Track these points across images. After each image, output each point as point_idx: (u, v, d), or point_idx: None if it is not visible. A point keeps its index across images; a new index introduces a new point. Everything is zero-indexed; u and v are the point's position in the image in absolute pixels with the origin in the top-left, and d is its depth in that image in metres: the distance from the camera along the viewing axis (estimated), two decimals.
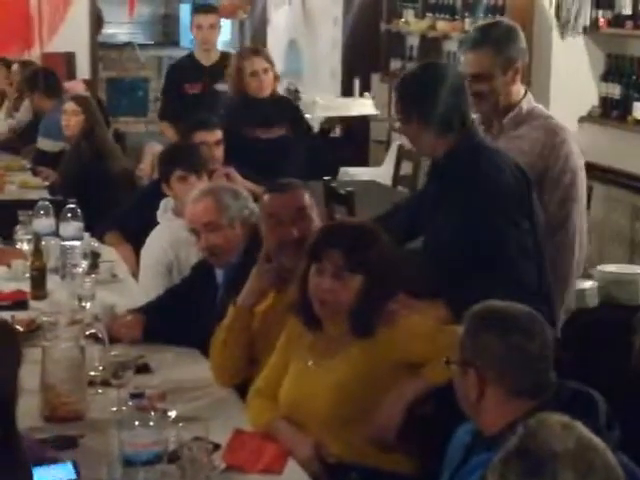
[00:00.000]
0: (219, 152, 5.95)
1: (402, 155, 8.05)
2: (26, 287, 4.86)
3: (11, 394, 2.43)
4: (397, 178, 8.17)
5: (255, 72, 6.55)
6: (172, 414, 3.21)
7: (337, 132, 9.93)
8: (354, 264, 3.34)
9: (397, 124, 3.95)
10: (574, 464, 2.00)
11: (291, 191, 3.91)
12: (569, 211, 4.17)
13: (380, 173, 8.42)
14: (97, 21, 13.79)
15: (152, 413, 2.94)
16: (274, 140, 6.64)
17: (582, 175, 4.25)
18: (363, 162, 9.44)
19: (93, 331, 3.84)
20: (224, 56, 7.43)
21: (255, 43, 12.85)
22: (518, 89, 4.25)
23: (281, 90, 11.54)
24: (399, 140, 7.81)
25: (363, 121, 9.64)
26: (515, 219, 3.63)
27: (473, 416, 2.66)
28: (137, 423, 2.85)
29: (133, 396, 3.19)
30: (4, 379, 2.41)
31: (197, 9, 7.72)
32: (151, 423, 2.84)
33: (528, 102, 4.25)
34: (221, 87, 7.19)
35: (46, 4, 13.02)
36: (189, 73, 7.52)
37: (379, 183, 7.89)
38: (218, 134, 5.96)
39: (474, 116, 3.94)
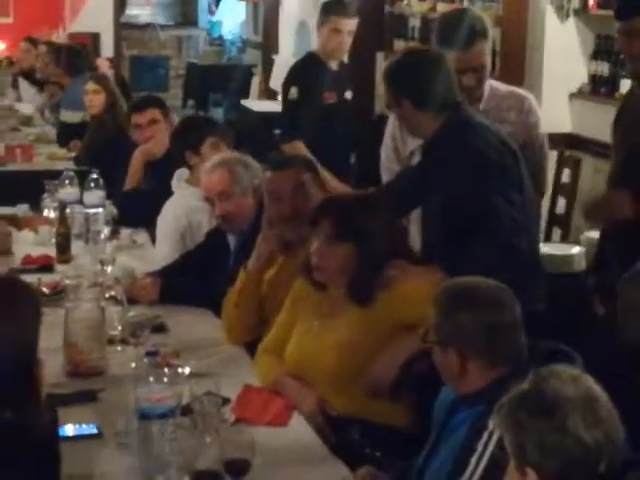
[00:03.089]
0: (152, 131, 5.73)
1: None
2: (52, 252, 4.86)
3: (32, 351, 2.43)
4: None
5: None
6: (186, 370, 3.20)
7: None
8: (343, 232, 3.33)
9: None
10: (583, 411, 2.00)
11: (290, 168, 3.90)
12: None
13: None
14: (120, 3, 13.77)
15: (166, 370, 2.94)
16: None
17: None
18: None
19: (113, 293, 3.84)
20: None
21: (268, 24, 12.79)
22: None
23: None
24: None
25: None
26: (504, 191, 3.59)
27: (454, 385, 2.66)
28: (152, 379, 2.85)
29: (148, 354, 3.20)
30: (26, 338, 2.40)
31: (336, 10, 6.42)
32: (165, 379, 2.84)
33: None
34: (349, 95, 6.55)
35: None
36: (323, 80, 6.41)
37: None
38: (149, 114, 5.74)
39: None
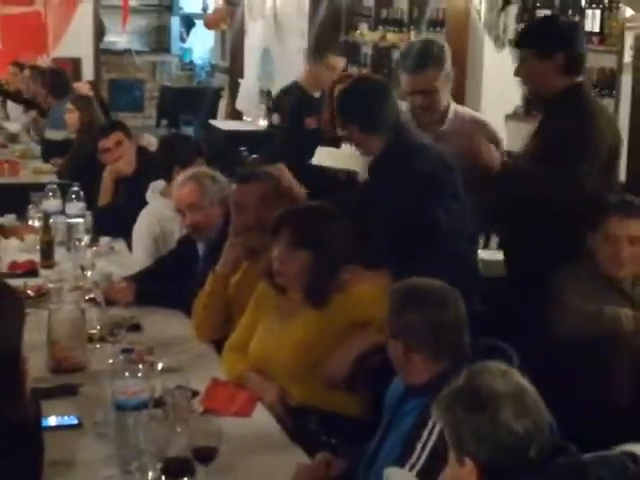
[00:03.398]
0: (119, 152, 5.74)
1: None
2: (36, 258, 4.81)
3: (17, 348, 2.40)
4: None
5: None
6: (158, 366, 3.18)
7: None
8: (300, 240, 3.32)
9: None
10: (513, 403, 2.00)
11: (253, 182, 3.88)
12: None
13: None
14: (100, 31, 13.71)
15: (140, 365, 2.92)
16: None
17: None
18: None
19: (92, 296, 3.81)
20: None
21: (234, 51, 12.77)
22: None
23: (255, 91, 11.59)
24: None
25: None
26: (444, 203, 3.61)
27: (403, 374, 2.66)
28: (127, 374, 2.82)
29: (124, 351, 3.17)
30: (10, 337, 2.38)
31: (332, 49, 6.58)
32: (139, 374, 2.81)
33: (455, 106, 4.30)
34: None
35: (51, 16, 12.93)
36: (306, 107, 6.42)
37: None
38: (113, 138, 5.74)
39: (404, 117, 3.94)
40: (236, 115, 12.08)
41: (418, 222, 3.52)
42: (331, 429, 3.15)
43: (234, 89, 12.53)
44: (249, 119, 11.13)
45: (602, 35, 5.75)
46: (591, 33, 5.81)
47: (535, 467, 1.97)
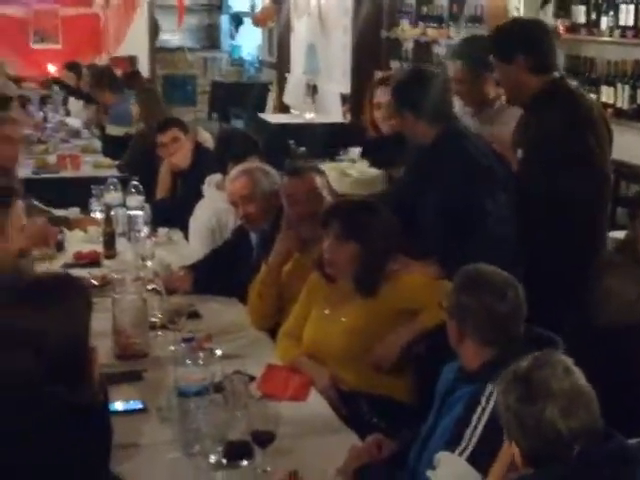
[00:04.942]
0: (175, 148, 5.68)
1: None
2: (99, 248, 4.85)
3: (86, 340, 2.42)
4: None
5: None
6: (217, 352, 3.18)
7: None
8: (348, 232, 3.31)
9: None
10: (563, 403, 1.97)
11: (303, 174, 3.87)
12: None
13: None
14: (154, 30, 13.76)
15: (201, 353, 2.92)
16: None
17: None
18: None
19: (154, 285, 3.83)
20: None
21: (281, 47, 12.75)
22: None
23: (302, 85, 11.56)
24: None
25: None
26: (493, 194, 3.56)
27: (457, 352, 2.63)
28: (189, 361, 2.83)
29: (185, 339, 3.18)
30: (78, 327, 2.39)
31: None
32: (200, 361, 2.82)
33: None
34: None
35: (112, 18, 13.02)
36: None
37: None
38: (170, 134, 5.68)
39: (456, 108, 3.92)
40: (283, 108, 12.07)
41: (467, 210, 3.48)
42: (380, 413, 3.14)
43: (281, 83, 12.52)
44: (296, 112, 11.11)
45: (636, 29, 5.66)
46: (625, 27, 5.73)
47: (578, 456, 1.95)
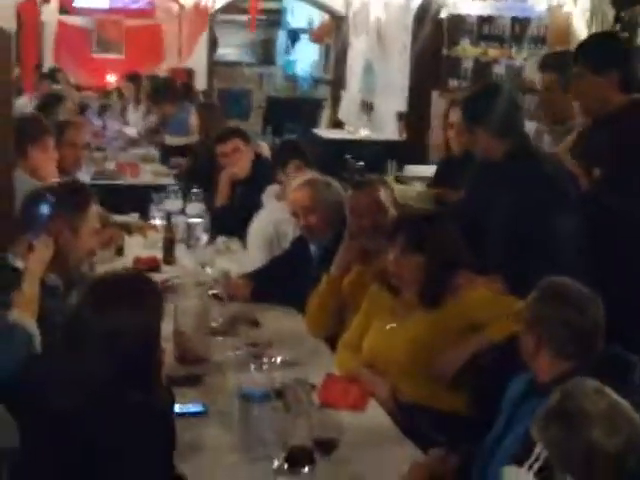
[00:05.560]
0: (235, 158, 5.70)
1: None
2: (158, 254, 4.88)
3: (158, 339, 2.43)
4: None
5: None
6: (278, 359, 3.18)
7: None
8: (414, 245, 3.30)
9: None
10: (602, 423, 1.96)
11: (368, 188, 3.88)
12: None
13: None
14: (213, 44, 13.88)
15: (264, 359, 2.93)
16: None
17: None
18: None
19: (215, 291, 3.84)
20: None
21: (337, 63, 12.79)
22: None
23: (357, 103, 11.59)
24: None
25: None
26: (563, 218, 3.52)
27: (530, 365, 2.61)
28: (252, 366, 2.83)
29: (249, 345, 3.19)
30: (153, 327, 2.41)
31: None
32: (264, 367, 2.83)
33: None
34: None
35: (185, 31, 13.18)
36: None
37: None
38: (231, 144, 5.70)
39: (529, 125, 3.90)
40: (337, 124, 12.09)
41: (535, 228, 3.45)
42: (439, 426, 3.11)
43: (336, 100, 12.55)
44: (351, 129, 11.12)
45: None
46: None
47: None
